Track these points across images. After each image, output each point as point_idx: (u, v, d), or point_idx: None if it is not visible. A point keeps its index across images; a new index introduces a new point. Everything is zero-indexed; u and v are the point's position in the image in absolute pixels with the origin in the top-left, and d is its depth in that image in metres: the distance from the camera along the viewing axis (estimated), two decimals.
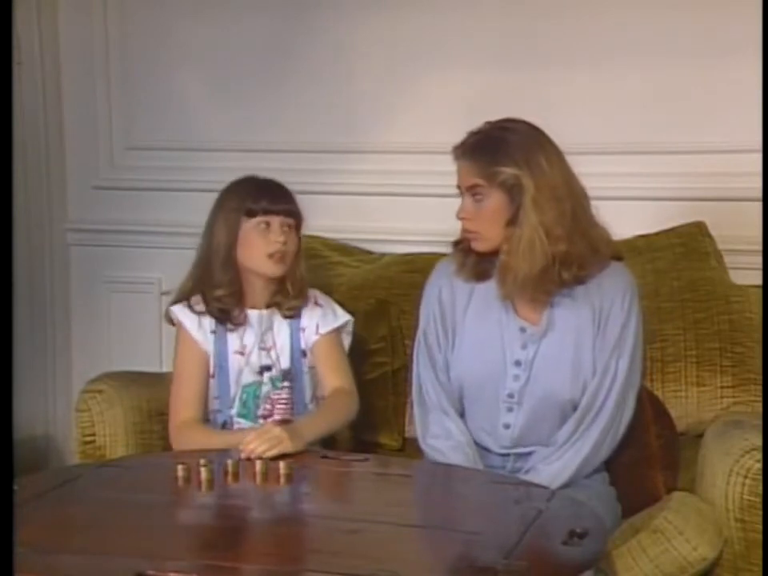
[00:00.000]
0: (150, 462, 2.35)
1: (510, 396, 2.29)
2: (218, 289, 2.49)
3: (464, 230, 2.29)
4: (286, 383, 2.51)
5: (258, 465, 2.09)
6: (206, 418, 2.51)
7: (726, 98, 2.82)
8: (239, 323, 2.51)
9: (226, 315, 2.50)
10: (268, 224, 2.47)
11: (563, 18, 2.95)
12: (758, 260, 2.67)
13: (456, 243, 2.34)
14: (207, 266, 2.51)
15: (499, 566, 1.60)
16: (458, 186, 2.28)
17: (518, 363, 2.29)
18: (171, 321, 2.56)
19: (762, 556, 2.08)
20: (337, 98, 3.22)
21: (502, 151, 2.20)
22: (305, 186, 2.68)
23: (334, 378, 2.51)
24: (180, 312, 2.53)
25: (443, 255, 2.42)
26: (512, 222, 2.21)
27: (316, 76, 3.24)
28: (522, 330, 2.29)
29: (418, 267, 2.77)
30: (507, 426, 2.30)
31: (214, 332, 2.51)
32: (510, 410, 2.29)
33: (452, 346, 2.35)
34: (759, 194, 2.72)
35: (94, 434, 2.57)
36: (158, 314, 3.20)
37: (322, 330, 2.53)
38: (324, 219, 2.78)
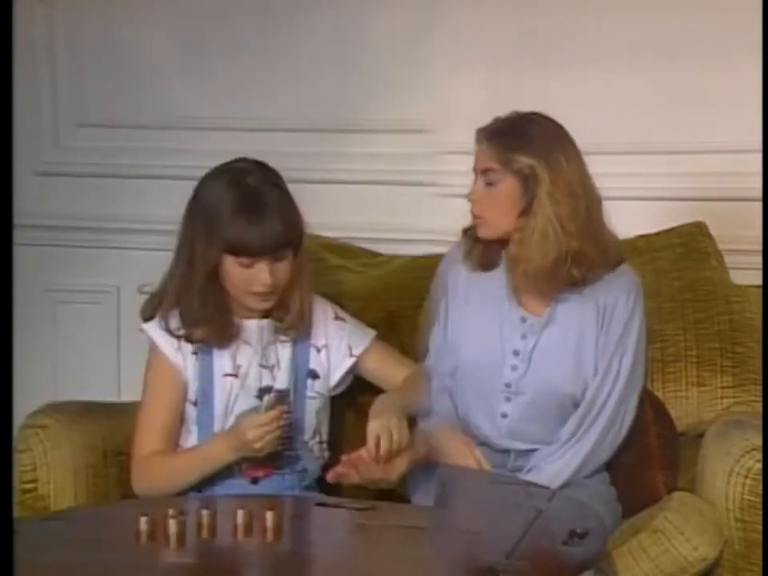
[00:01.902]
0: (105, 514, 1.99)
1: (508, 386, 2.29)
2: (198, 328, 2.13)
3: (472, 215, 2.28)
4: (284, 407, 2.10)
5: (240, 515, 1.76)
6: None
7: (726, 98, 2.82)
8: (231, 338, 2.18)
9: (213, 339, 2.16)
10: (254, 262, 2.12)
11: (563, 19, 2.95)
12: (758, 260, 2.67)
13: (465, 230, 2.35)
14: (185, 289, 2.15)
15: (500, 566, 1.60)
16: (474, 169, 2.29)
17: (516, 353, 2.29)
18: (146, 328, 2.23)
19: (761, 556, 2.08)
20: (335, 71, 2.90)
21: (522, 140, 2.23)
22: (298, 173, 2.37)
23: (404, 369, 2.32)
24: (154, 331, 2.18)
25: None
26: (525, 213, 2.22)
27: (313, 44, 2.88)
28: (523, 319, 2.30)
29: (434, 272, 2.42)
30: (504, 416, 2.31)
31: (195, 353, 2.17)
32: (507, 399, 2.30)
33: (444, 331, 2.35)
34: (759, 193, 2.73)
35: (35, 480, 2.22)
36: (114, 330, 2.78)
37: (356, 352, 2.30)
38: (321, 214, 2.37)
